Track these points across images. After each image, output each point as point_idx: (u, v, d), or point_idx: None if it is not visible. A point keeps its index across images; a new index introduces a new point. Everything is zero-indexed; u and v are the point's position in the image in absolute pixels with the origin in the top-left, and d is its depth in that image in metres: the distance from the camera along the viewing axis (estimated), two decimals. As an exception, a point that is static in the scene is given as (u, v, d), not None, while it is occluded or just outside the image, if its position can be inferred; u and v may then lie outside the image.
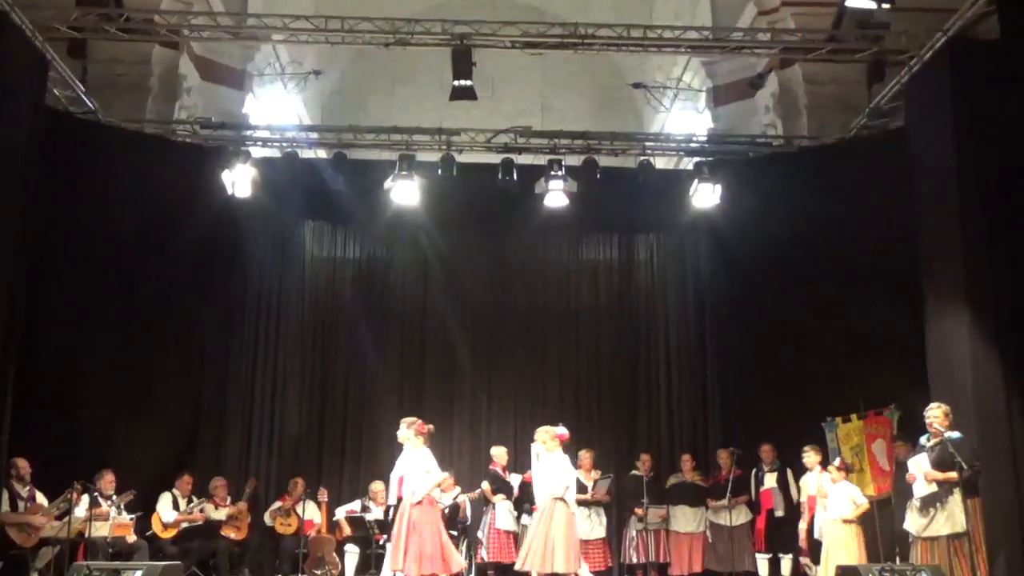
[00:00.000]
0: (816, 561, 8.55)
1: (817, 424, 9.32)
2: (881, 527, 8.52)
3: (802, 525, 8.89)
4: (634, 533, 9.59)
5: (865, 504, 8.21)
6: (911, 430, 8.18)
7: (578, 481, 9.49)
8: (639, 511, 9.47)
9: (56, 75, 8.95)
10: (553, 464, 7.95)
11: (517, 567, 7.85)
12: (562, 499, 7.83)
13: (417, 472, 7.61)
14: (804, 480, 8.94)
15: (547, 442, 8.05)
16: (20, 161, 7.90)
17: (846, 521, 8.04)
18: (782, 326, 9.85)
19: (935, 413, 7.15)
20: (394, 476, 7.78)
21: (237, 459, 10.17)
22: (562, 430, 8.10)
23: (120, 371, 9.16)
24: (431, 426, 7.83)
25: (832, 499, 8.19)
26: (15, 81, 7.87)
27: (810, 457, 8.82)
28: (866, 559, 7.93)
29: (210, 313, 10.08)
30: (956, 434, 7.05)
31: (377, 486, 9.61)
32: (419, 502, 7.50)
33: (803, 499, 8.96)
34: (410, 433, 7.81)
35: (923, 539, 6.94)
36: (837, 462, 8.48)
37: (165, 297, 9.53)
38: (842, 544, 7.96)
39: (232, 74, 11.69)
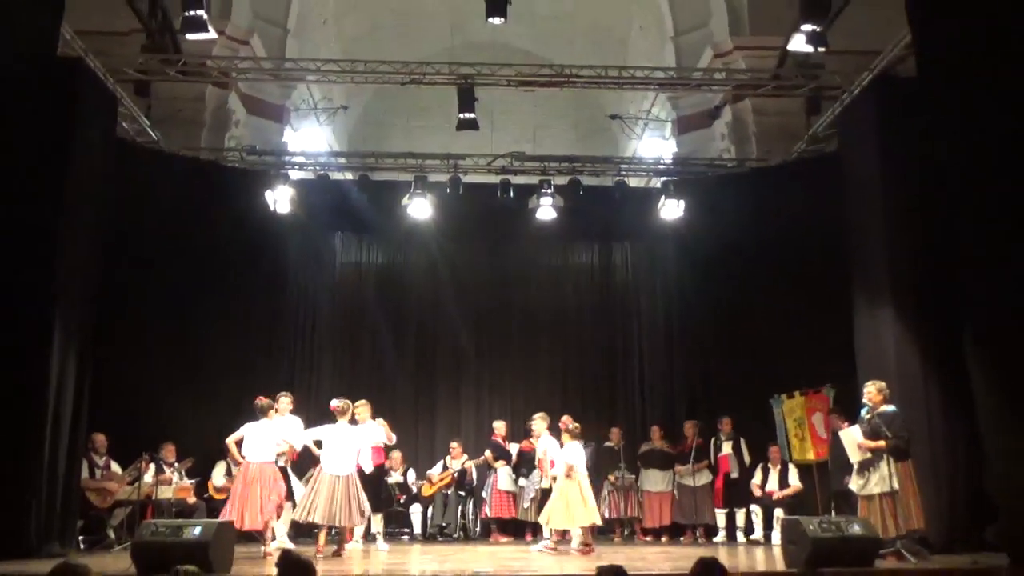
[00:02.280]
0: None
1: (766, 400, 9.37)
2: (820, 486, 8.59)
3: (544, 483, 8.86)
4: (606, 493, 9.63)
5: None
6: (845, 404, 8.26)
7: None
8: (611, 477, 9.56)
9: (125, 111, 9.04)
10: (326, 434, 7.70)
11: (298, 518, 7.52)
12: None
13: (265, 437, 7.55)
14: (537, 443, 8.73)
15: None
16: (96, 182, 8.00)
17: (568, 477, 7.88)
18: (737, 319, 9.94)
19: (869, 390, 7.13)
20: (230, 440, 7.66)
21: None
22: (334, 402, 7.85)
23: (179, 361, 9.17)
24: (266, 402, 7.69)
25: (561, 458, 8.03)
26: (90, 116, 7.95)
27: (538, 424, 8.59)
28: (586, 508, 7.81)
29: (255, 312, 10.08)
30: (890, 408, 7.03)
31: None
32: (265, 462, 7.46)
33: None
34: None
35: (862, 497, 7.03)
36: (570, 426, 8.08)
37: (217, 298, 9.56)
38: (567, 497, 7.81)
39: (273, 109, 11.75)
